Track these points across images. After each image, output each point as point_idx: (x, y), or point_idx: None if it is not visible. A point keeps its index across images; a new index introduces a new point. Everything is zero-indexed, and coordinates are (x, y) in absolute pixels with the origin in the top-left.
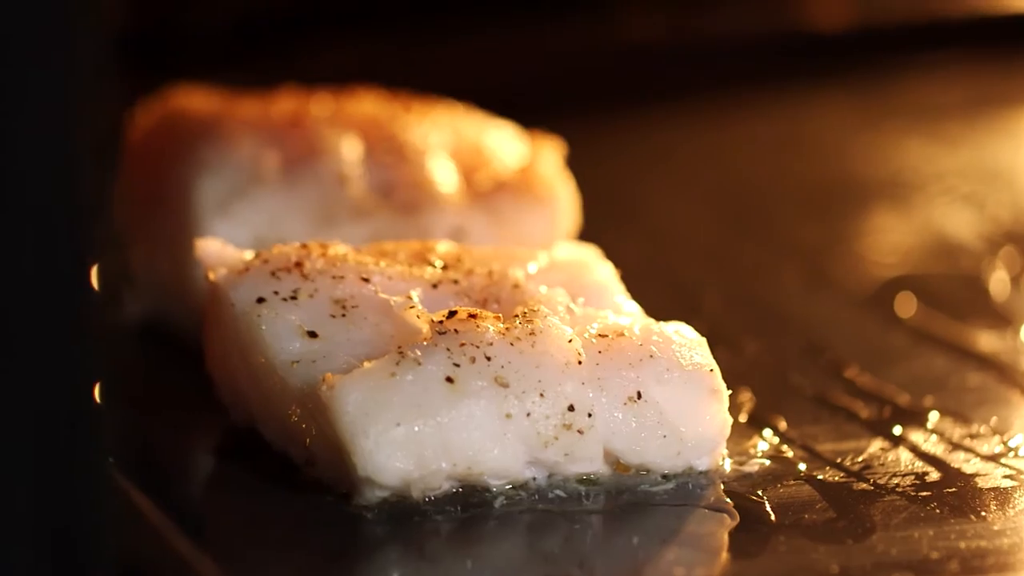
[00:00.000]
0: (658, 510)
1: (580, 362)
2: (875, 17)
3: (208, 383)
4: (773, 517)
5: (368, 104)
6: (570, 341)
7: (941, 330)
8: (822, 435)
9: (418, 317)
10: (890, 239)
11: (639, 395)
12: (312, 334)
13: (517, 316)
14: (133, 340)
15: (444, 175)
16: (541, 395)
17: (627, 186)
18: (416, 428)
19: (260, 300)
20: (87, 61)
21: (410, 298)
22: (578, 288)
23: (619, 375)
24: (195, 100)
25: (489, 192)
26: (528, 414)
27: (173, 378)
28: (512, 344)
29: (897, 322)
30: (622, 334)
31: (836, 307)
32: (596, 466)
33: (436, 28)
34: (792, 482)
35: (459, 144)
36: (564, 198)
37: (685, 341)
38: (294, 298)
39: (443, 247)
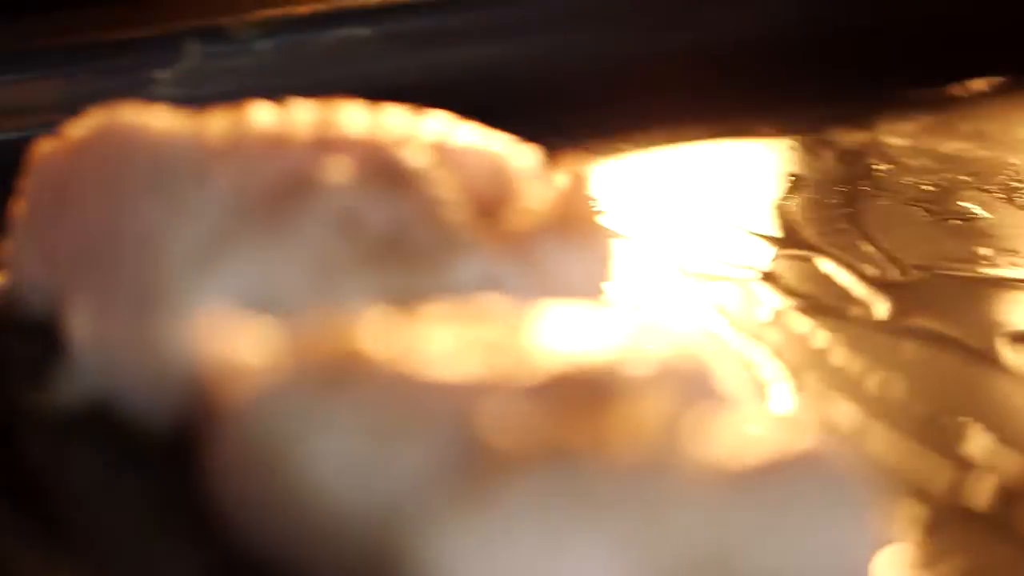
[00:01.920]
0: None
1: (722, 503)
2: None
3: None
4: None
5: (357, 121)
6: (709, 475)
7: None
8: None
9: (509, 436)
10: None
11: (784, 542)
12: (369, 460)
13: (637, 440)
14: (73, 434)
15: (465, 212)
16: (676, 541)
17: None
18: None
19: (298, 421)
20: None
21: (490, 407)
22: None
23: (767, 523)
24: (149, 118)
25: (523, 232)
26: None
27: (141, 487)
28: (634, 476)
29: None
30: (775, 465)
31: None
32: None
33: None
34: None
35: (474, 171)
36: (608, 236)
37: (848, 486)
38: (340, 414)
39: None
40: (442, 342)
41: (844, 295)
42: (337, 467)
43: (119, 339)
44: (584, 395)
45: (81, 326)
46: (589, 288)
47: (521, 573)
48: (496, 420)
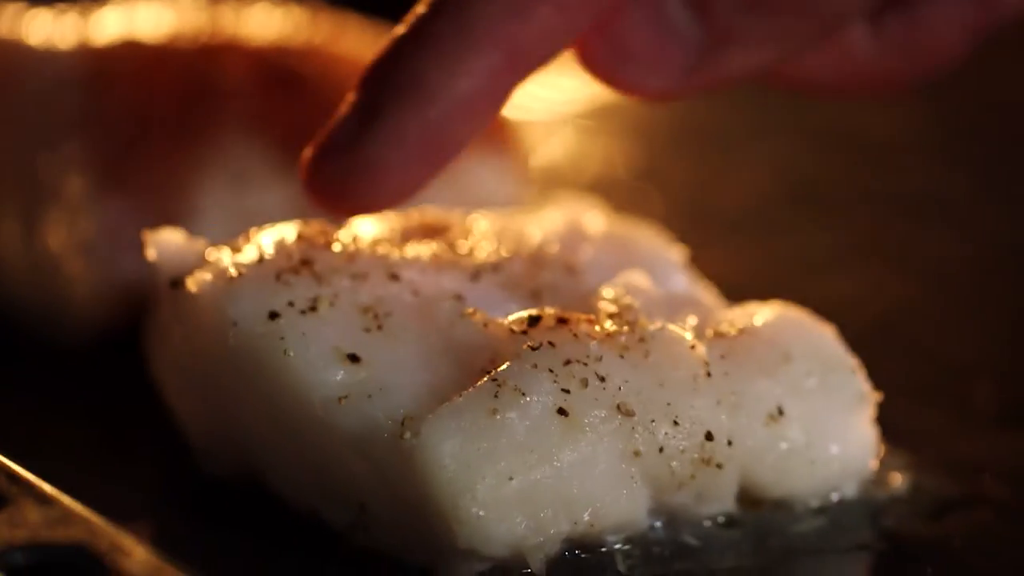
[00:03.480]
0: (823, 559)
1: (709, 374)
2: None
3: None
4: (970, 559)
5: (245, 22)
6: (692, 347)
7: None
8: (954, 437)
9: (486, 326)
10: None
11: (780, 411)
12: (354, 357)
13: (612, 318)
14: None
15: None
16: (674, 423)
17: None
18: (532, 480)
19: (273, 315)
20: None
21: (460, 298)
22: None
23: (754, 387)
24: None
25: None
26: (660, 449)
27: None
28: (623, 357)
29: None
30: (742, 331)
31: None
32: (728, 505)
33: None
34: (965, 507)
35: None
36: (516, 138)
37: (815, 333)
38: (313, 309)
39: (432, 216)
40: (394, 239)
41: None
42: (317, 371)
43: (12, 246)
44: (535, 274)
45: None
46: (505, 198)
47: (549, 482)
48: (474, 313)
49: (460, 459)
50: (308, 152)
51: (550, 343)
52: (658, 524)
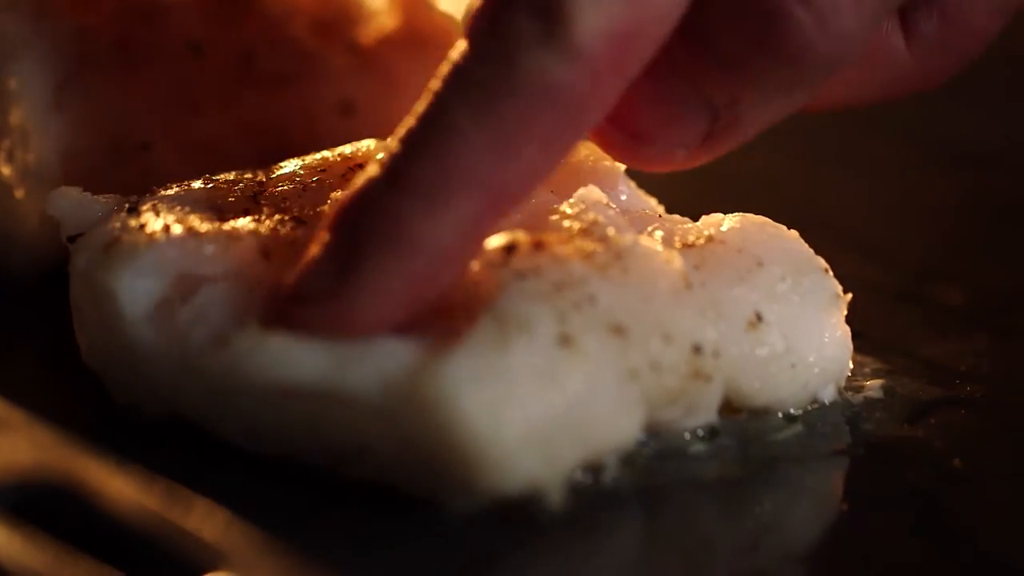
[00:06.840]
0: (806, 466)
1: (689, 285)
2: None
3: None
4: (951, 459)
5: None
6: (668, 260)
7: None
8: (925, 339)
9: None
10: None
11: (758, 317)
12: None
13: (582, 236)
14: None
15: (315, 33)
16: (665, 339)
17: None
18: (547, 414)
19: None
20: None
21: None
22: (580, 184)
23: (731, 295)
24: None
25: (375, 49)
26: (654, 366)
27: None
28: (605, 276)
29: None
30: (710, 240)
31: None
32: (712, 416)
33: None
34: (942, 408)
35: None
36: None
37: (783, 238)
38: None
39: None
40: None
41: None
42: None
43: None
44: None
45: None
46: None
47: (562, 413)
48: None
49: (481, 406)
50: (283, 297)
51: (535, 268)
52: (645, 439)
